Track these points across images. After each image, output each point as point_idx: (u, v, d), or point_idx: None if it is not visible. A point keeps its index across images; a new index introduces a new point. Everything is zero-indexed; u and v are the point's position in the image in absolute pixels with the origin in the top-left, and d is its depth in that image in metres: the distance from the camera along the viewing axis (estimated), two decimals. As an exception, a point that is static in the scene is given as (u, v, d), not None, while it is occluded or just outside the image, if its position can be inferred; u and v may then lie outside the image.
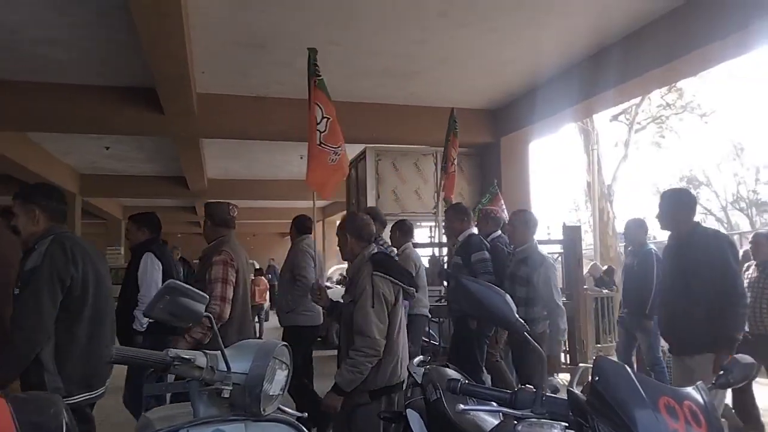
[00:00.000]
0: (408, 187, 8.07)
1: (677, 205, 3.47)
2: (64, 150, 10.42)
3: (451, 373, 2.53)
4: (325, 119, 4.03)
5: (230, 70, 6.38)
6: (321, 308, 4.56)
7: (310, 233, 5.17)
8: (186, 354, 1.60)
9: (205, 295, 1.72)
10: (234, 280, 3.48)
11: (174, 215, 19.34)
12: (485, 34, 5.54)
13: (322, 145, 4.03)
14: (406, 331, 3.16)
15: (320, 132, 4.01)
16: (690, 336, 3.31)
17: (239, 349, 1.77)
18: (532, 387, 1.51)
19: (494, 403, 1.56)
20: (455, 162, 6.54)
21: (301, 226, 5.20)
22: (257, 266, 13.77)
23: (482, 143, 8.15)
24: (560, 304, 3.94)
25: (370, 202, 7.74)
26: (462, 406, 1.56)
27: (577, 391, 1.45)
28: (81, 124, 7.09)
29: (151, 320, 3.78)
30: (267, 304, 12.62)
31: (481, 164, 8.44)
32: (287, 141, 8.27)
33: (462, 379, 1.86)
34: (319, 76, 4.14)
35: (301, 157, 11.12)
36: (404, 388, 2.94)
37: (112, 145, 9.95)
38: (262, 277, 12.99)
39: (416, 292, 3.23)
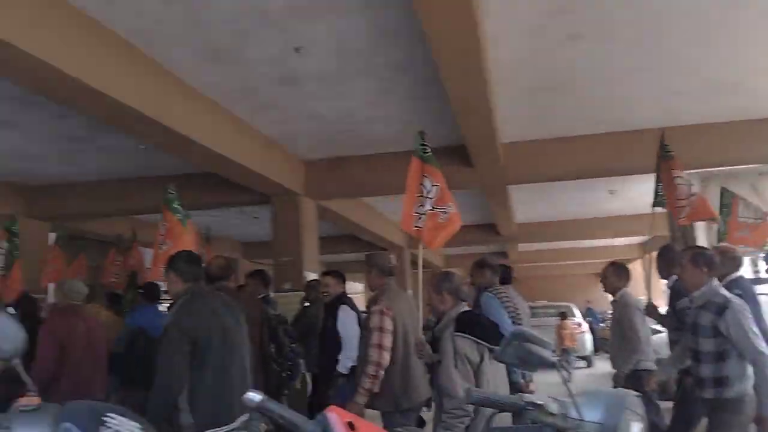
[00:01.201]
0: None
1: None
2: (393, 209, 11.90)
3: None
4: (435, 186, 4.56)
5: (532, 116, 6.54)
6: None
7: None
8: (538, 399, 1.65)
9: (547, 341, 1.77)
10: (391, 328, 3.71)
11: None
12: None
13: (434, 209, 4.48)
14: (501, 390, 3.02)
15: (430, 198, 4.52)
16: None
17: (587, 397, 1.74)
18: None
19: None
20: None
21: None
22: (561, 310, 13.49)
23: None
24: (765, 351, 3.11)
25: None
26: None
27: None
28: (404, 186, 8.02)
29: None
30: (589, 349, 12.07)
31: None
32: (594, 178, 8.01)
33: None
34: (427, 152, 4.70)
35: (611, 192, 10.64)
36: None
37: (431, 200, 10.97)
38: (567, 321, 12.58)
39: None
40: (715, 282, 3.40)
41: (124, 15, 4.09)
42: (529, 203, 11.63)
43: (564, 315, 13.17)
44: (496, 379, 3.02)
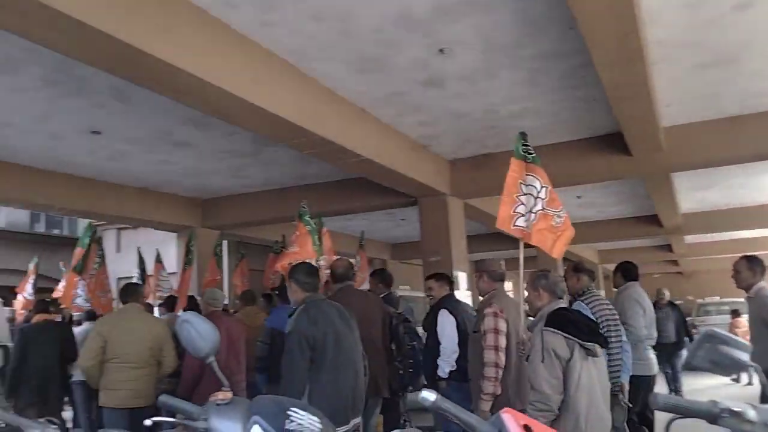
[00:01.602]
0: None
1: None
2: (541, 204, 11.52)
3: None
4: (545, 188, 4.35)
5: (695, 96, 5.97)
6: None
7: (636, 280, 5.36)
8: (735, 406, 1.51)
9: (743, 342, 1.62)
10: (505, 330, 3.86)
11: (647, 255, 18.75)
12: None
13: (545, 210, 4.28)
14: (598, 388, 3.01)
15: (542, 199, 4.32)
16: None
17: None
18: None
19: None
20: None
21: (627, 273, 5.47)
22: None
23: None
24: None
25: None
26: None
27: None
28: (555, 179, 7.70)
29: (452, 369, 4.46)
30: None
31: None
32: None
33: None
34: (532, 153, 4.47)
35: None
36: None
37: (582, 193, 10.48)
38: (741, 318, 11.31)
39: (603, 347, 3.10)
40: None
41: (281, 35, 4.39)
42: (695, 191, 10.64)
43: (737, 312, 11.91)
44: (591, 377, 2.98)
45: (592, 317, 3.67)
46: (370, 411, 4.56)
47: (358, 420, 3.37)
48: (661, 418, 4.18)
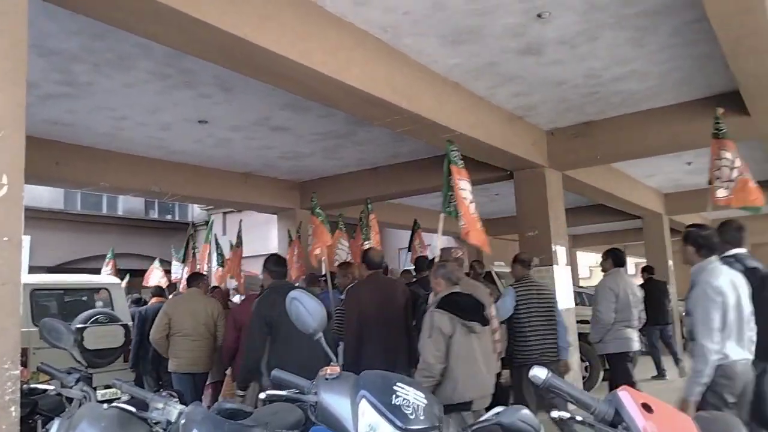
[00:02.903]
0: None
1: None
2: (647, 173, 10.89)
3: None
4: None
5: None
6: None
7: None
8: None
9: None
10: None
11: (764, 224, 17.31)
12: None
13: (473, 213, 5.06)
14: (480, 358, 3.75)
15: (468, 200, 5.11)
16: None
17: None
18: None
19: None
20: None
21: (617, 259, 6.12)
22: None
23: None
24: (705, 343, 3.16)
25: None
26: None
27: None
28: (663, 145, 7.28)
29: None
30: None
31: None
32: None
33: None
34: (459, 158, 5.33)
35: None
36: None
37: (692, 159, 9.80)
38: None
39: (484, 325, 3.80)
40: None
41: (374, 13, 4.39)
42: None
43: None
44: (472, 349, 3.69)
45: (480, 300, 3.95)
46: None
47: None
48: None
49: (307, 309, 1.93)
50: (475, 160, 7.46)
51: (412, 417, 1.64)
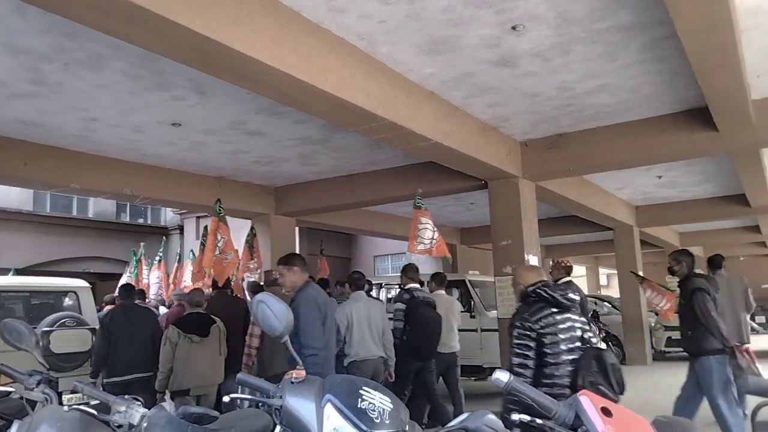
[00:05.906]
0: None
1: None
2: (618, 185, 11.09)
3: None
4: (223, 239, 7.67)
5: (792, 64, 5.55)
6: None
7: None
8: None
9: None
10: None
11: (732, 237, 17.77)
12: None
13: (221, 254, 7.25)
14: None
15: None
16: None
17: None
18: None
19: None
20: None
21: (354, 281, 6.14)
22: None
23: None
24: None
25: None
26: None
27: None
28: (634, 158, 7.42)
29: None
30: None
31: None
32: None
33: None
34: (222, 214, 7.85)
35: None
36: None
37: (663, 173, 10.01)
38: None
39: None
40: None
41: (351, 21, 4.40)
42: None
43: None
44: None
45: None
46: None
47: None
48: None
49: (273, 312, 1.92)
50: (450, 169, 7.54)
51: (377, 421, 1.64)
